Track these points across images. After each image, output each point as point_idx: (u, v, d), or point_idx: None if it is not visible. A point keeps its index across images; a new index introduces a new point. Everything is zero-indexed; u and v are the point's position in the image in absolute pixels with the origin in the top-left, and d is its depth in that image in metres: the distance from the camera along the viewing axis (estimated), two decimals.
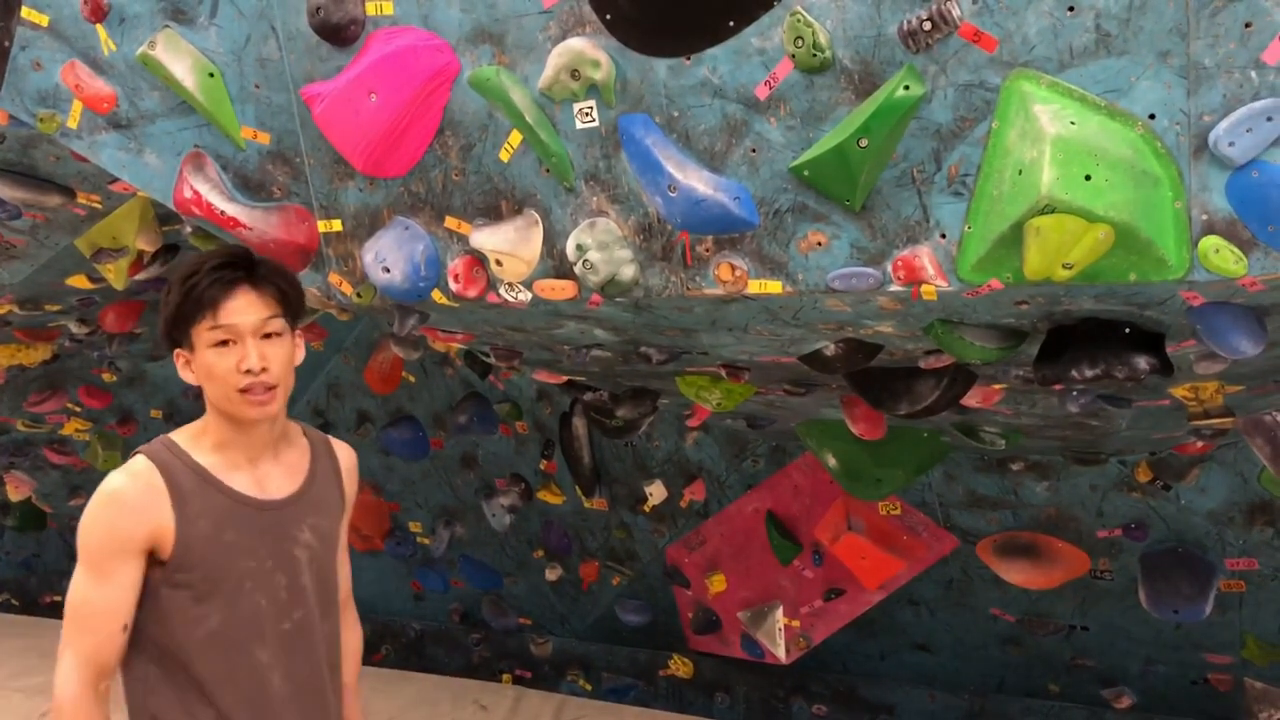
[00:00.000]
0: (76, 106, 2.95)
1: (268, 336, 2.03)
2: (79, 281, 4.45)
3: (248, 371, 2.00)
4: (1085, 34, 1.95)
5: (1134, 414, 3.06)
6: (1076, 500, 3.84)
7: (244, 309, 2.02)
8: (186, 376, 2.09)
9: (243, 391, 2.01)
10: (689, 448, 4.57)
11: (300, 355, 2.16)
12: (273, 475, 2.14)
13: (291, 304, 2.10)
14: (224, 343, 2.01)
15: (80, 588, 2.01)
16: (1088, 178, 1.94)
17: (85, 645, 1.98)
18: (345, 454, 2.31)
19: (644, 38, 2.28)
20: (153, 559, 2.02)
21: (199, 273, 2.02)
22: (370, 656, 5.77)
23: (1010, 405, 3.11)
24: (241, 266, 2.04)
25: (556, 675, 5.44)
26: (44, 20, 2.88)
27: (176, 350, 2.08)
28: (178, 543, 2.01)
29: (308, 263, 2.87)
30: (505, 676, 5.53)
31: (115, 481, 2.03)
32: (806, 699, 4.83)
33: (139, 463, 2.05)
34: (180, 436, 2.11)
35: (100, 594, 1.99)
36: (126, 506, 2.00)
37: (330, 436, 2.33)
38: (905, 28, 2.04)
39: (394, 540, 5.55)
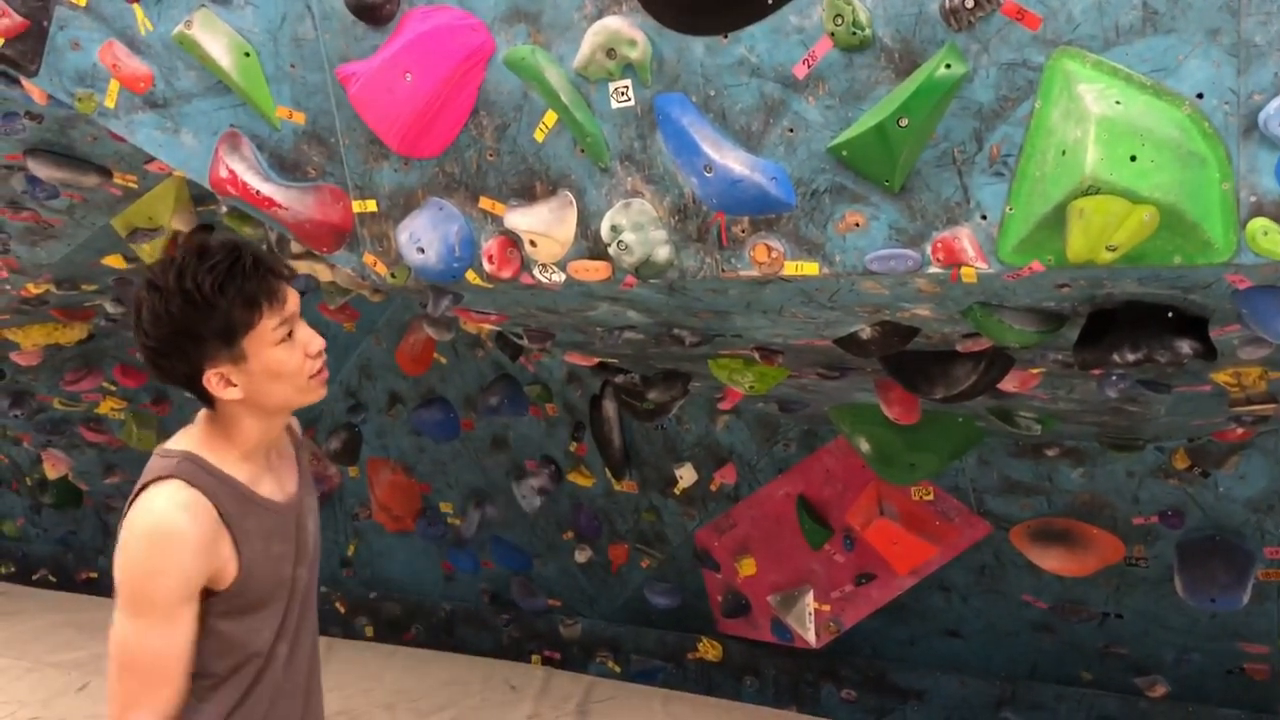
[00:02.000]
0: (114, 86, 2.96)
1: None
2: (115, 261, 4.50)
3: (318, 354, 1.93)
4: (1132, 11, 1.91)
5: (1173, 400, 3.02)
6: (1112, 487, 3.80)
7: (291, 295, 1.91)
8: (225, 393, 1.87)
9: (313, 376, 1.93)
10: (719, 431, 4.56)
11: None
12: (282, 470, 2.06)
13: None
14: (289, 335, 1.89)
15: (146, 640, 1.83)
16: (1133, 158, 1.90)
17: (161, 700, 1.84)
18: (295, 423, 2.20)
19: (681, 16, 2.26)
20: (206, 590, 1.89)
21: (241, 273, 1.83)
22: (401, 636, 5.84)
23: (1048, 390, 3.08)
24: (254, 257, 1.89)
25: (585, 657, 5.45)
26: (82, 0, 2.89)
27: (210, 372, 1.86)
28: (241, 571, 1.90)
29: (342, 243, 2.88)
30: (535, 658, 5.55)
31: (175, 521, 1.83)
32: (836, 684, 4.82)
33: (185, 495, 1.85)
34: (204, 450, 1.92)
35: (172, 642, 1.84)
36: (193, 547, 1.83)
37: None
38: (947, 5, 2.01)
39: (425, 521, 5.58)
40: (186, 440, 1.94)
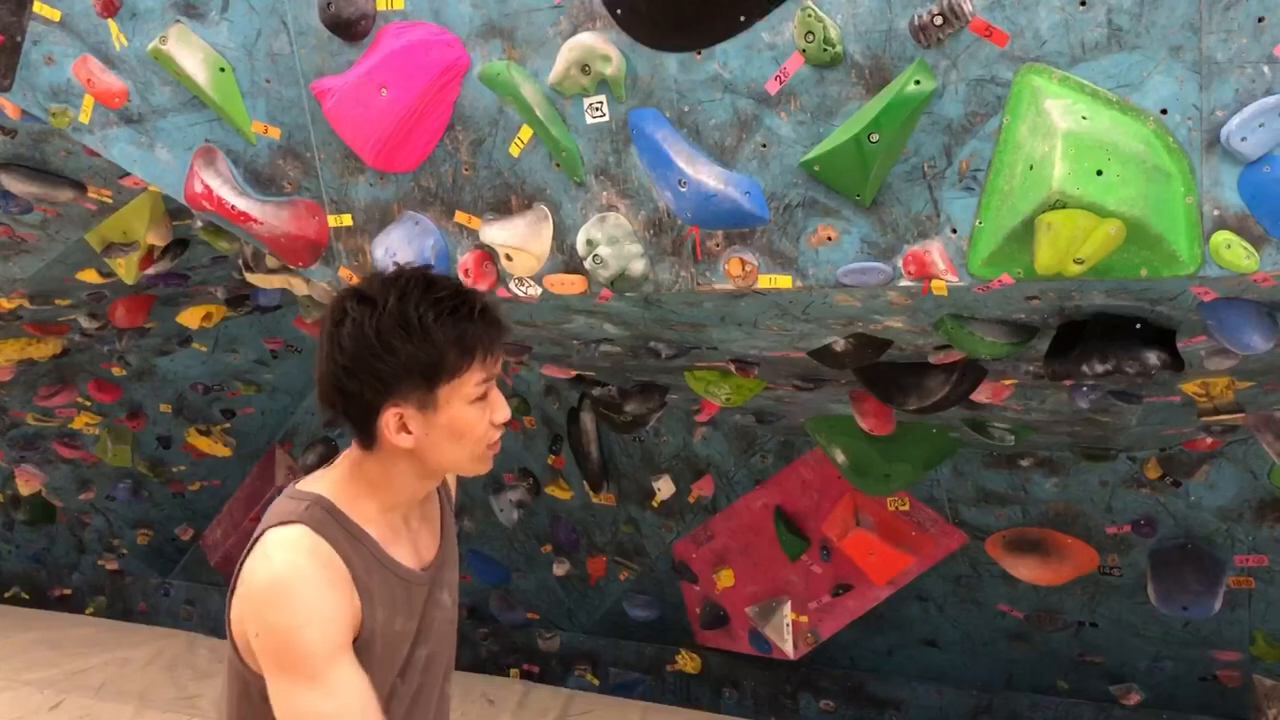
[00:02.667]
0: (88, 101, 2.95)
1: None
2: (89, 276, 4.47)
3: (500, 425, 1.73)
4: (1097, 29, 1.94)
5: (1144, 410, 3.06)
6: (1086, 496, 3.84)
7: (500, 355, 1.73)
8: (397, 439, 1.65)
9: (490, 446, 1.73)
10: (697, 443, 4.57)
11: None
12: (422, 535, 1.84)
13: None
14: (483, 396, 1.69)
15: (307, 710, 1.59)
16: (1099, 173, 1.93)
17: None
18: (452, 479, 2.00)
19: (655, 33, 2.28)
20: None
21: (469, 314, 1.65)
22: None
23: (1020, 401, 3.11)
24: (482, 302, 1.71)
25: (564, 670, 5.45)
26: (56, 15, 2.89)
27: (392, 410, 1.65)
28: (362, 633, 1.67)
29: (318, 257, 2.88)
30: (513, 671, 5.54)
31: (301, 567, 1.61)
32: (814, 694, 4.84)
33: (311, 542, 1.64)
34: (338, 496, 1.70)
35: (342, 703, 1.60)
36: (322, 593, 1.61)
37: None
38: (916, 22, 2.04)
39: None
40: (324, 484, 1.73)
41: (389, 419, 1.65)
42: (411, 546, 1.79)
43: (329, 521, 1.66)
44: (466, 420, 1.67)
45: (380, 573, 1.70)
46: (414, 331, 1.62)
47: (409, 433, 1.66)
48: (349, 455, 1.76)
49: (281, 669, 1.60)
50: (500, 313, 1.73)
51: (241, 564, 1.69)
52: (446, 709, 1.95)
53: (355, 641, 1.66)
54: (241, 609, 1.65)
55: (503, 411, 1.72)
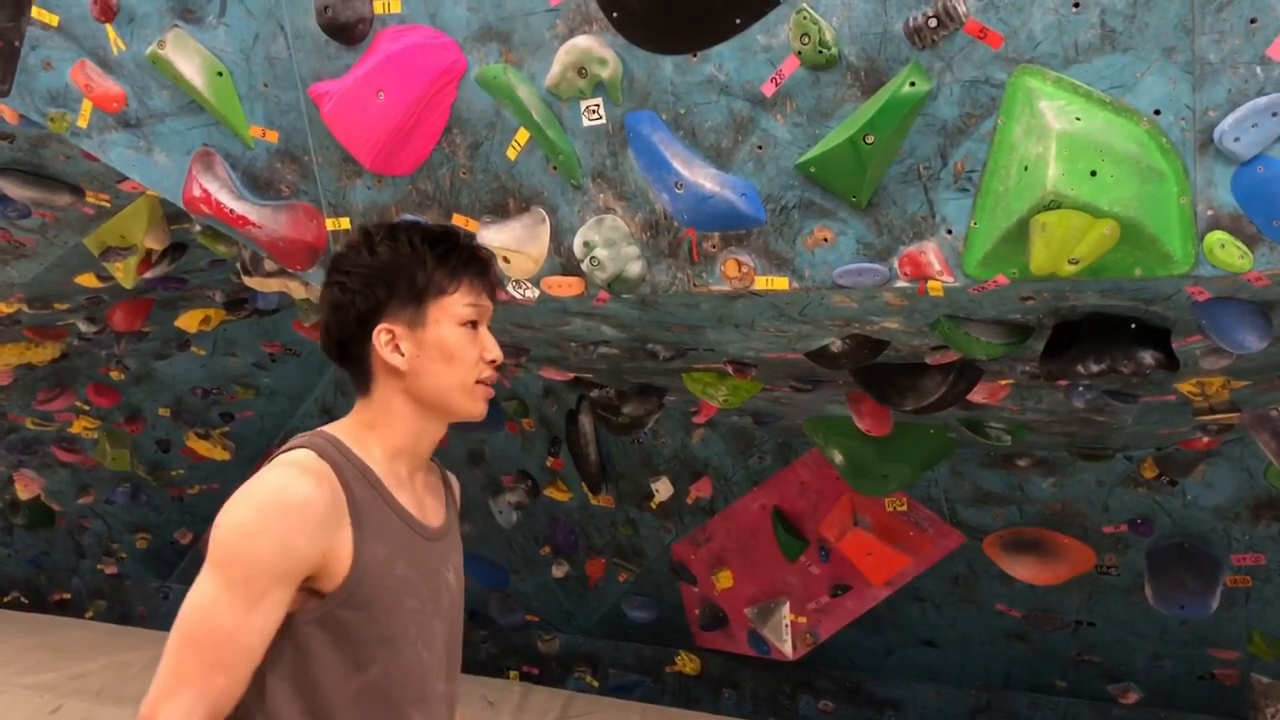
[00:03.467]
0: (86, 106, 2.96)
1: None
2: (87, 280, 4.48)
3: (491, 362, 1.74)
4: (1090, 30, 1.95)
5: (1140, 409, 3.07)
6: (1082, 496, 3.85)
7: (490, 295, 1.78)
8: (390, 357, 1.69)
9: (480, 382, 1.74)
10: (695, 444, 4.58)
11: None
12: (427, 499, 1.80)
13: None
14: (473, 323, 1.73)
15: (222, 612, 1.54)
16: (1093, 173, 1.94)
17: (215, 686, 1.53)
18: (455, 483, 1.98)
19: (651, 35, 2.29)
20: (307, 589, 1.60)
21: (459, 237, 1.75)
22: None
23: (1016, 401, 3.12)
24: (473, 243, 1.80)
25: (563, 672, 5.45)
26: (54, 20, 2.90)
27: (385, 325, 1.70)
28: (353, 569, 1.60)
29: (315, 261, 2.88)
30: (512, 673, 5.54)
31: (297, 486, 1.57)
32: (813, 695, 4.85)
33: (312, 462, 1.61)
34: (343, 434, 1.70)
35: (250, 624, 1.54)
36: (310, 518, 1.56)
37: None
38: (911, 24, 2.05)
39: None
40: (325, 428, 1.74)
41: (380, 337, 1.69)
42: (418, 504, 1.76)
43: (334, 451, 1.65)
44: (455, 342, 1.70)
45: (382, 510, 1.67)
46: (404, 249, 1.71)
47: (401, 353, 1.69)
48: (353, 410, 1.77)
49: (220, 569, 1.56)
50: (484, 253, 1.80)
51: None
52: (452, 713, 1.83)
53: (350, 576, 1.60)
54: (220, 515, 1.61)
55: (494, 350, 1.75)
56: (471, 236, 1.88)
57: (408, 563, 1.68)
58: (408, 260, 1.70)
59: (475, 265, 1.74)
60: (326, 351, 1.79)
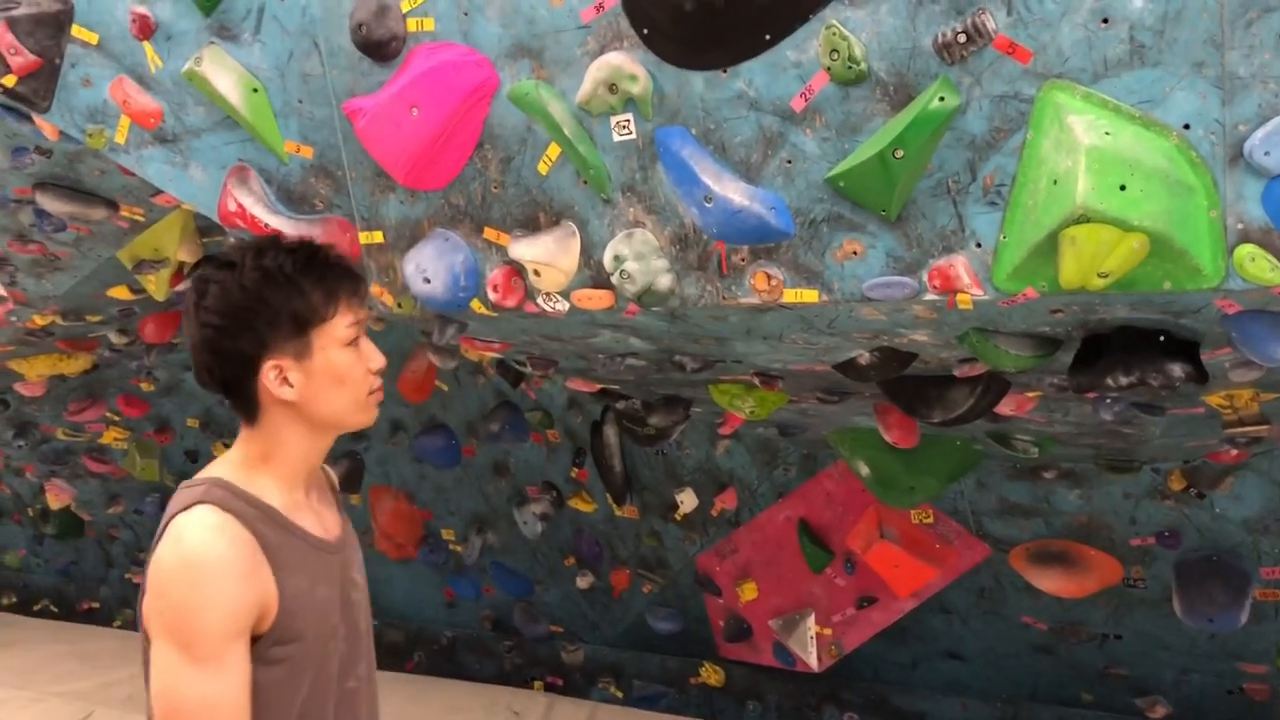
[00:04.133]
0: (124, 122, 3.02)
1: None
2: (120, 293, 4.54)
3: (376, 372, 1.76)
4: (1119, 45, 1.97)
5: (1168, 422, 3.06)
6: (1109, 508, 3.84)
7: (364, 299, 1.78)
8: (279, 391, 1.70)
9: (370, 394, 1.77)
10: (720, 456, 4.59)
11: None
12: (323, 510, 1.86)
13: None
14: (354, 341, 1.74)
15: (195, 685, 1.59)
16: (1122, 187, 1.96)
17: None
18: (334, 475, 2.04)
19: (681, 52, 2.32)
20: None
21: (325, 261, 1.72)
22: (402, 664, 5.85)
23: (1044, 413, 3.12)
24: (334, 251, 1.79)
25: (588, 683, 5.46)
26: (93, 38, 2.95)
27: (272, 361, 1.70)
28: (281, 608, 1.67)
29: None
30: (537, 684, 5.56)
31: (209, 546, 1.62)
32: (838, 707, 4.84)
33: (218, 519, 1.65)
34: (232, 475, 1.73)
35: (227, 686, 1.60)
36: (235, 572, 1.62)
37: None
38: (940, 40, 2.07)
39: (427, 548, 5.60)
40: (216, 468, 1.76)
41: (268, 374, 1.70)
42: (317, 521, 1.81)
43: (229, 497, 1.68)
44: (343, 364, 1.72)
45: (291, 541, 1.71)
46: (277, 281, 1.68)
47: (290, 385, 1.71)
48: (238, 441, 1.80)
49: (174, 644, 1.60)
50: (345, 262, 1.79)
51: (149, 559, 1.70)
52: (376, 701, 1.95)
53: (279, 614, 1.67)
54: (151, 597, 1.66)
55: (377, 359, 1.76)
56: (338, 252, 1.80)
57: (325, 584, 1.76)
58: (284, 294, 1.69)
59: (348, 283, 1.74)
60: (204, 387, 1.80)
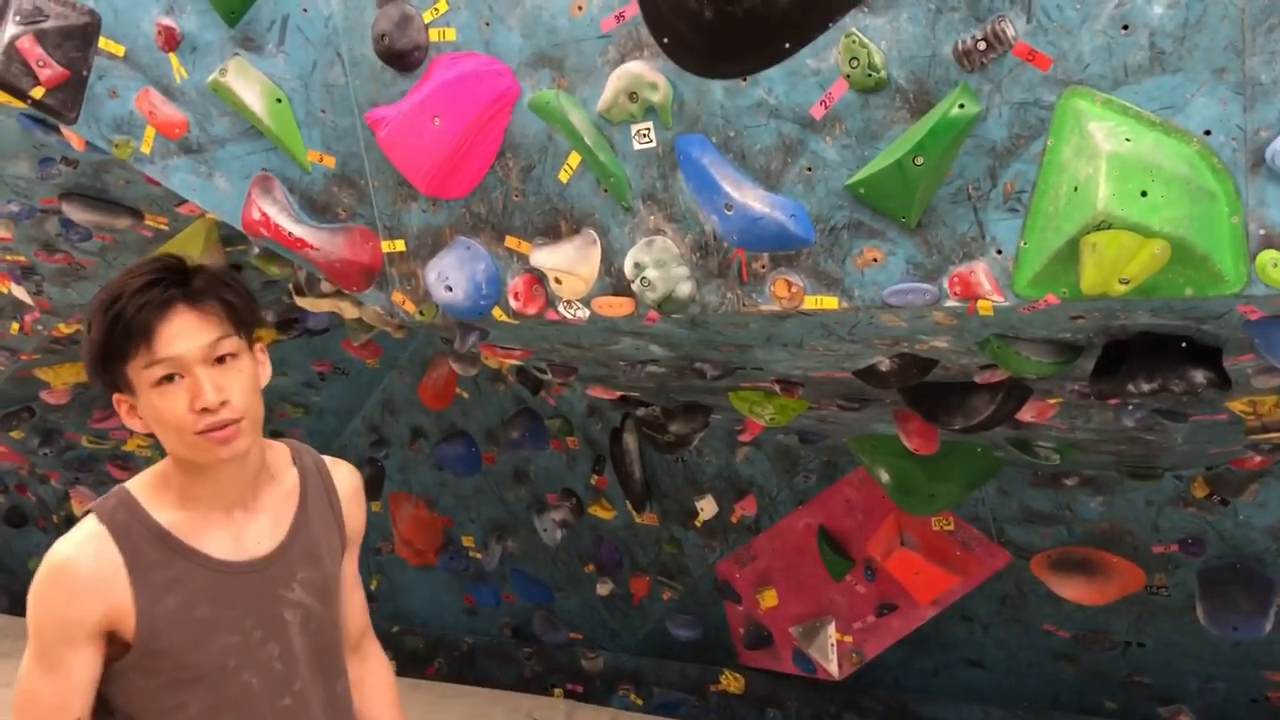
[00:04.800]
0: (150, 132, 3.05)
1: (220, 361, 1.69)
2: None
3: (204, 410, 1.65)
4: (1140, 52, 1.97)
5: (1190, 428, 3.05)
6: (1132, 515, 3.82)
7: (185, 334, 1.66)
8: (133, 424, 1.71)
9: (201, 433, 1.66)
10: (740, 463, 4.60)
11: (266, 373, 1.80)
12: (251, 527, 1.81)
13: (242, 317, 1.74)
14: (168, 378, 1.65)
15: (28, 676, 1.71)
16: (1143, 194, 1.96)
17: None
18: (344, 476, 1.98)
19: (701, 60, 2.34)
20: (116, 639, 1.71)
21: (122, 296, 1.65)
22: (423, 670, 5.87)
23: (1065, 420, 3.11)
24: (173, 282, 1.68)
25: (608, 690, 5.47)
26: (120, 50, 2.99)
27: (116, 396, 1.71)
28: (140, 625, 1.69)
29: (372, 282, 2.95)
30: (557, 691, 5.57)
31: (61, 553, 1.69)
32: (859, 715, 4.83)
33: (90, 528, 1.71)
34: (140, 489, 1.75)
35: (48, 685, 1.69)
36: (74, 586, 1.67)
37: (328, 457, 1.99)
38: (960, 47, 2.07)
39: (447, 555, 5.63)
40: (136, 478, 1.79)
41: (120, 405, 1.73)
42: (228, 536, 1.77)
43: (118, 509, 1.72)
44: (155, 406, 1.66)
45: (173, 561, 1.72)
46: (87, 328, 1.70)
47: (139, 417, 1.72)
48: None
49: (30, 639, 1.71)
50: (156, 298, 1.66)
51: None
52: (347, 712, 1.94)
53: (138, 628, 1.70)
54: None
55: (203, 397, 1.65)
56: (149, 283, 1.67)
57: (213, 604, 1.74)
58: (91, 338, 1.69)
59: (140, 320, 1.64)
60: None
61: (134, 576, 1.70)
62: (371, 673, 2.12)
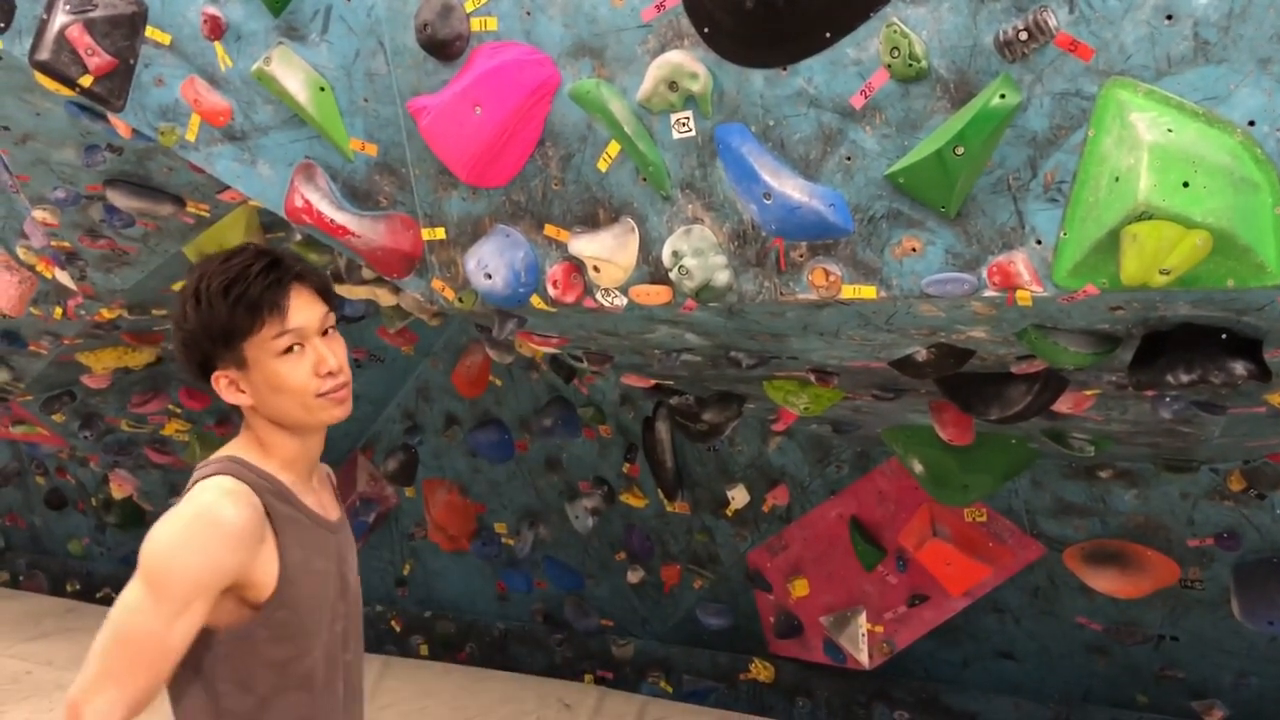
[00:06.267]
0: (194, 120, 3.10)
1: (325, 333, 1.86)
2: None
3: (328, 374, 1.81)
4: (1183, 42, 1.96)
5: (1228, 421, 3.04)
6: (1166, 508, 3.81)
7: (305, 308, 1.83)
8: (234, 398, 1.83)
9: (323, 395, 1.81)
10: (772, 452, 4.61)
11: None
12: (323, 495, 1.98)
13: (333, 295, 1.93)
14: (290, 349, 1.80)
15: (147, 619, 1.71)
16: (1185, 184, 1.96)
17: (137, 686, 1.71)
18: (331, 474, 2.14)
19: (741, 50, 2.35)
20: (238, 599, 1.78)
21: (246, 277, 1.79)
22: (455, 655, 5.93)
23: (1101, 411, 3.11)
24: (285, 264, 1.85)
25: (638, 677, 5.50)
26: (166, 39, 3.04)
27: (216, 374, 1.83)
28: (282, 575, 1.79)
29: (412, 269, 2.98)
30: (587, 677, 5.61)
31: (221, 507, 1.75)
32: (889, 705, 4.83)
33: (232, 485, 1.78)
34: (246, 453, 1.87)
35: (173, 631, 1.71)
36: (233, 536, 1.74)
37: None
38: (1001, 37, 2.08)
39: (480, 541, 5.67)
40: (229, 448, 1.90)
41: (220, 383, 1.84)
42: (318, 502, 1.93)
43: (245, 470, 1.82)
44: (278, 374, 1.79)
45: (295, 517, 1.84)
46: (202, 304, 1.80)
47: (243, 392, 1.83)
48: (241, 430, 1.93)
49: (149, 580, 1.72)
50: (293, 269, 1.83)
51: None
52: (359, 681, 2.04)
53: (280, 581, 1.78)
54: (151, 533, 1.77)
55: (328, 361, 1.81)
56: (272, 258, 1.84)
57: (322, 558, 1.88)
58: (206, 314, 1.79)
59: (269, 297, 1.79)
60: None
61: (275, 527, 1.80)
62: None
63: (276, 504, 1.81)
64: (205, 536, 1.73)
